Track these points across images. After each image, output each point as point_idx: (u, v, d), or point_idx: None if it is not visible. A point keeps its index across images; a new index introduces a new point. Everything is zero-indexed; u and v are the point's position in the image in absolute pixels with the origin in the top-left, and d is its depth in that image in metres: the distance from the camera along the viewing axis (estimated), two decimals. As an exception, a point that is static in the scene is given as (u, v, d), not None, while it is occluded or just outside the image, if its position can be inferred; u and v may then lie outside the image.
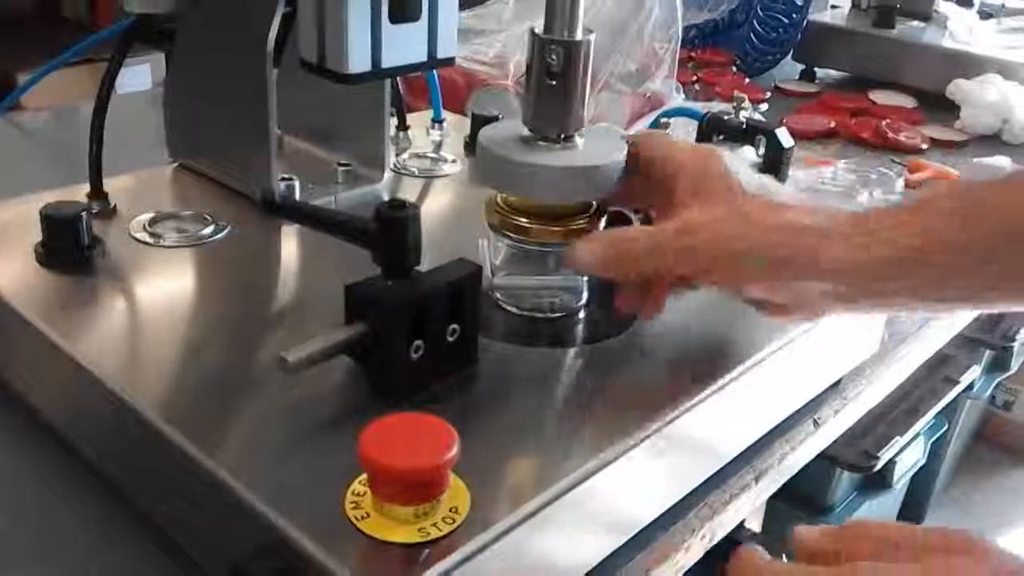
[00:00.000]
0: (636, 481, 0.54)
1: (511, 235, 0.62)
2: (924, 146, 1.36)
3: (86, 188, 0.73)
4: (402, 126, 0.92)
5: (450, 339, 0.54)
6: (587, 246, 0.57)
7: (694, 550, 0.61)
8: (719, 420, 0.60)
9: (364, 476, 0.45)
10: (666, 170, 0.59)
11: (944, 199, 0.53)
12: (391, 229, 0.52)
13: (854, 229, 0.54)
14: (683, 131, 1.00)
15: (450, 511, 0.44)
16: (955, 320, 0.98)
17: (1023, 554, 0.40)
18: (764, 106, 1.48)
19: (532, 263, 0.63)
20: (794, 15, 1.62)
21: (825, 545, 0.43)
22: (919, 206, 0.54)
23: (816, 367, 0.71)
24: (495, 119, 0.86)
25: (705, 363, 0.60)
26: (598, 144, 0.62)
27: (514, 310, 0.63)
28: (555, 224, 0.61)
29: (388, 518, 0.43)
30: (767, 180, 0.62)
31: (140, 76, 1.99)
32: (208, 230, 0.71)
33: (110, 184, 0.73)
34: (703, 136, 0.83)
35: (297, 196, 0.75)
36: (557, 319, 0.64)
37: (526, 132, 0.62)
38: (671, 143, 0.61)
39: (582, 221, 0.61)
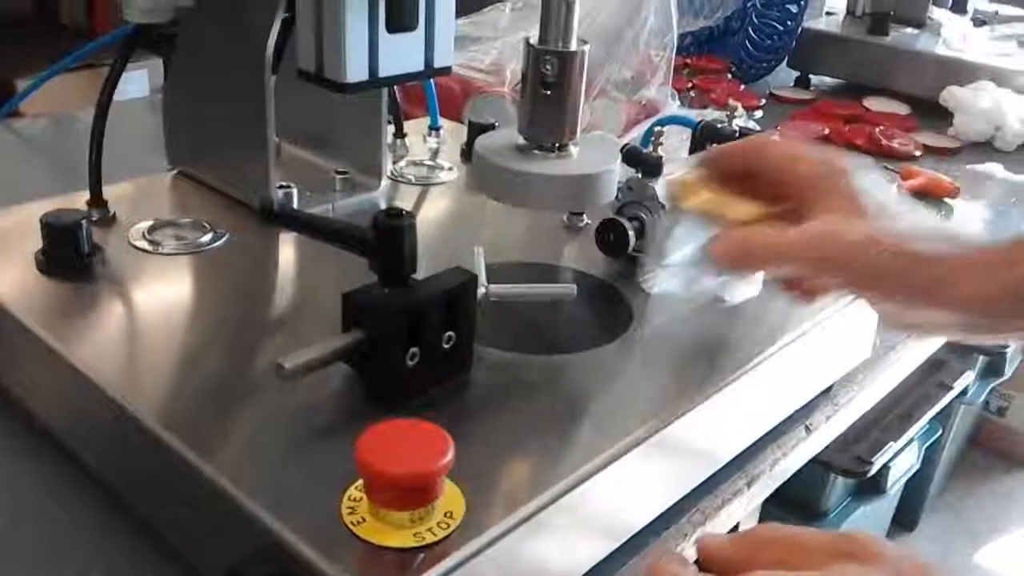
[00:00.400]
0: (629, 486, 0.55)
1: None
2: (917, 153, 1.37)
3: (85, 195, 0.73)
4: (399, 134, 0.93)
5: (445, 346, 0.55)
6: (719, 243, 0.56)
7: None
8: (711, 426, 0.60)
9: (360, 482, 0.45)
10: (795, 171, 0.58)
11: None
12: (388, 238, 0.53)
13: (989, 259, 0.53)
14: (677, 139, 1.01)
15: (445, 516, 0.45)
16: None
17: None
18: (759, 113, 1.48)
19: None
20: (789, 22, 1.63)
21: (731, 554, 0.42)
22: None
23: (808, 373, 0.72)
24: (491, 127, 0.87)
25: (698, 369, 0.61)
26: (592, 153, 0.63)
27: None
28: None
29: (384, 523, 0.44)
30: (893, 197, 0.62)
31: (138, 83, 1.99)
32: (207, 238, 0.71)
33: (109, 191, 0.74)
34: (697, 144, 0.84)
35: (295, 204, 0.76)
36: (556, 325, 0.64)
37: (521, 141, 0.62)
38: (796, 145, 0.60)
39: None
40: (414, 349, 0.53)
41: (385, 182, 0.83)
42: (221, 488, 0.47)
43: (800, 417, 0.73)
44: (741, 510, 0.67)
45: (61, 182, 0.84)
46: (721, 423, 0.62)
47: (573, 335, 0.65)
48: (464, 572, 0.44)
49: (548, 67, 0.60)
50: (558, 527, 0.50)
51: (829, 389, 0.77)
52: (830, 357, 0.74)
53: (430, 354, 0.54)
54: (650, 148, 0.74)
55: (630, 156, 0.72)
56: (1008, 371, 1.57)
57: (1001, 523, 2.07)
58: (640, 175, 0.72)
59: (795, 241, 0.55)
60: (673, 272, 0.60)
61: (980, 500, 2.11)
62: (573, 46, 0.60)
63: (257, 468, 0.49)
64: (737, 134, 0.82)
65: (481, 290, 0.59)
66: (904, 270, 0.53)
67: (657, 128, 0.76)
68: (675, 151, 0.98)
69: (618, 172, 0.64)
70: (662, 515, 0.60)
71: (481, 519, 0.46)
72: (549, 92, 0.61)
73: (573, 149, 0.63)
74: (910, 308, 0.55)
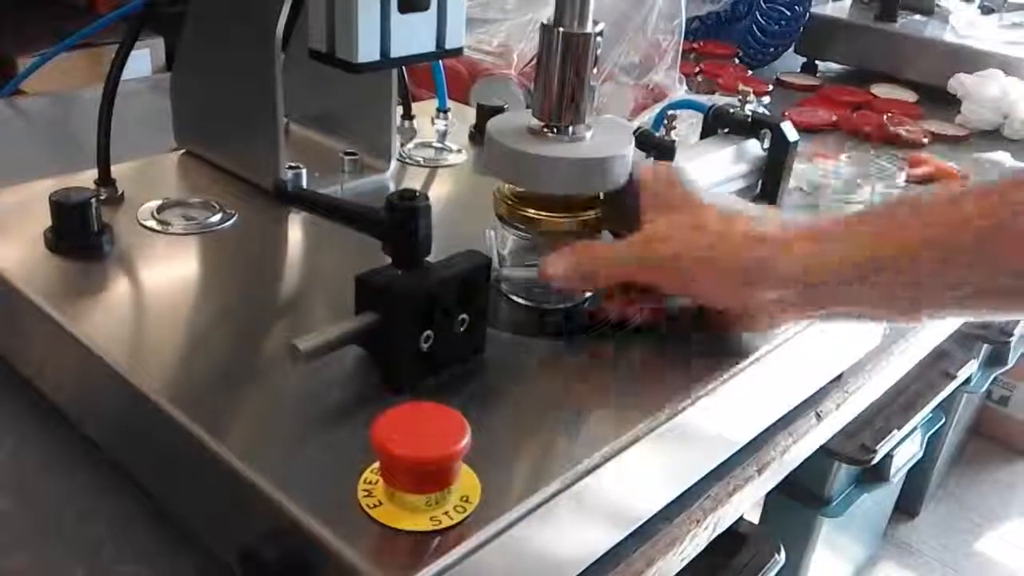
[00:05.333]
0: (642, 472, 0.55)
1: (519, 226, 0.62)
2: (925, 140, 1.37)
3: (92, 174, 0.72)
4: (407, 115, 0.93)
5: (459, 329, 0.55)
6: (556, 260, 0.59)
7: (698, 541, 0.62)
8: (723, 412, 0.60)
9: (376, 464, 0.45)
10: (629, 189, 0.60)
11: (896, 208, 0.54)
12: (403, 219, 0.52)
13: (810, 236, 0.54)
14: (687, 123, 1.00)
15: (461, 500, 0.45)
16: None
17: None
18: (767, 99, 1.48)
19: (539, 254, 0.63)
20: (796, 8, 1.63)
21: None
22: (869, 215, 0.55)
23: (818, 361, 0.72)
24: (500, 109, 0.87)
25: (711, 356, 0.60)
26: (606, 136, 0.62)
27: (520, 300, 0.63)
28: (563, 215, 0.61)
29: (400, 506, 0.44)
30: (728, 196, 0.62)
31: (139, 62, 1.98)
32: (216, 218, 0.71)
33: (116, 170, 0.73)
34: (708, 129, 0.83)
35: (304, 185, 0.75)
36: (564, 310, 0.64)
37: (534, 123, 0.62)
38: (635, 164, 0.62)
39: (590, 212, 0.62)
40: (428, 332, 0.52)
41: (394, 164, 0.82)
42: (235, 468, 0.47)
43: (810, 404, 0.73)
44: (751, 496, 0.66)
45: (64, 160, 0.83)
46: (733, 410, 0.62)
47: (586, 320, 0.64)
48: (480, 556, 0.44)
49: (562, 48, 0.60)
50: (573, 513, 0.49)
51: (839, 377, 0.77)
52: (840, 345, 0.74)
53: (444, 337, 0.53)
54: (662, 132, 0.74)
55: (643, 140, 0.71)
56: (1012, 360, 1.57)
57: (1002, 512, 2.08)
58: (653, 159, 0.72)
59: (627, 251, 0.58)
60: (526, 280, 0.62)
61: (981, 489, 2.11)
62: (588, 27, 0.60)
63: (271, 448, 0.49)
64: (749, 119, 0.81)
65: (493, 273, 0.58)
66: (730, 253, 0.55)
67: (670, 112, 0.75)
68: (685, 136, 0.98)
69: (631, 156, 0.64)
70: (674, 501, 0.60)
71: (497, 503, 0.45)
72: (563, 74, 0.60)
73: (586, 132, 0.62)
74: (737, 293, 0.56)
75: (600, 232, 0.63)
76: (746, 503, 0.66)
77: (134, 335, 0.59)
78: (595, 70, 0.61)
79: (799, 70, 1.70)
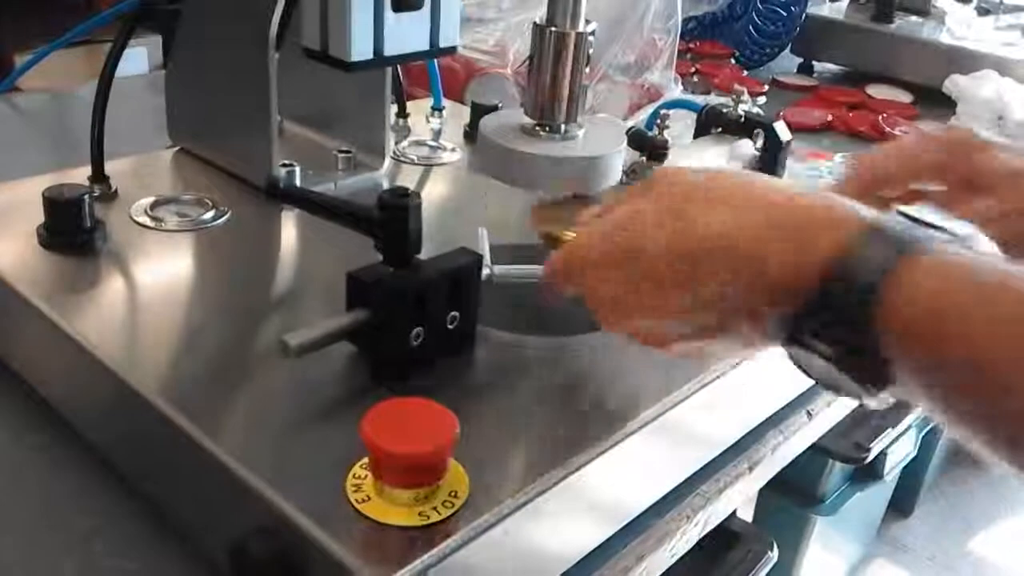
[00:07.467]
0: (632, 468, 0.55)
1: None
2: (920, 141, 1.37)
3: (86, 171, 0.73)
4: (402, 114, 0.93)
5: (450, 326, 0.55)
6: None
7: (688, 537, 0.62)
8: (714, 410, 0.60)
9: (365, 460, 0.45)
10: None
11: None
12: (394, 217, 0.52)
13: None
14: (681, 124, 1.01)
15: (450, 495, 0.45)
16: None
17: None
18: (762, 99, 1.48)
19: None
20: (793, 8, 1.63)
21: None
22: None
23: (810, 359, 0.72)
24: (495, 108, 0.87)
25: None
26: (598, 135, 0.63)
27: None
28: None
29: (389, 501, 0.44)
30: None
31: (136, 60, 1.97)
32: (209, 215, 0.71)
33: (110, 167, 0.73)
34: (702, 128, 0.84)
35: (297, 182, 0.75)
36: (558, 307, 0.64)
37: (527, 121, 0.62)
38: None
39: None
40: (418, 328, 0.53)
41: (388, 162, 0.82)
42: (225, 464, 0.47)
43: (802, 402, 0.73)
44: (742, 493, 0.67)
45: (60, 157, 0.83)
46: (724, 407, 0.62)
47: (576, 317, 0.64)
48: (468, 551, 0.44)
49: (554, 48, 0.60)
50: (561, 508, 0.49)
51: (830, 375, 0.77)
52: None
53: (434, 334, 0.54)
54: (655, 131, 0.74)
55: (635, 139, 0.72)
56: (1006, 360, 1.56)
57: (995, 511, 2.08)
58: (645, 158, 0.72)
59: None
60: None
61: (975, 488, 2.11)
62: (581, 27, 0.60)
63: (261, 445, 0.49)
64: (742, 119, 0.82)
65: (485, 271, 0.59)
66: None
67: (663, 111, 0.76)
68: (679, 136, 0.98)
69: (623, 155, 0.64)
70: (664, 497, 0.60)
71: (485, 499, 0.46)
72: (556, 73, 0.61)
73: (579, 131, 0.62)
74: None
75: None
76: (736, 500, 0.66)
77: (126, 331, 0.59)
78: (588, 69, 0.62)
79: (795, 70, 1.70)
